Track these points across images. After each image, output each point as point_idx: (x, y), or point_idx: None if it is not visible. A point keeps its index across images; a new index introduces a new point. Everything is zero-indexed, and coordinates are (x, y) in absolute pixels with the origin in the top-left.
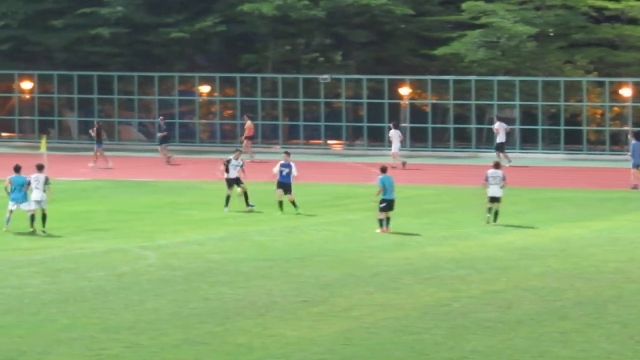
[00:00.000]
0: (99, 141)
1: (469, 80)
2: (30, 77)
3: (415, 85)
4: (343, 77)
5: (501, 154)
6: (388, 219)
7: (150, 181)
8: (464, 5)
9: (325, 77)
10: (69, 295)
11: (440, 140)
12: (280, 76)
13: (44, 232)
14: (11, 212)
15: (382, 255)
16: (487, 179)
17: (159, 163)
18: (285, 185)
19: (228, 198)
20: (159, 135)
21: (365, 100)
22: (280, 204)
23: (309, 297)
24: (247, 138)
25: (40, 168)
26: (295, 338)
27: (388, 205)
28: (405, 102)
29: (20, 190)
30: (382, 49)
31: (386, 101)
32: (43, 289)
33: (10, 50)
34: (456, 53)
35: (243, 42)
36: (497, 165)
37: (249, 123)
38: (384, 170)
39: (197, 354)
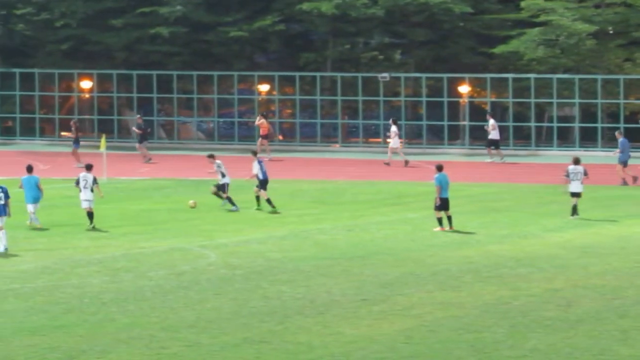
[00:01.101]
0: (77, 140)
1: (528, 78)
2: (89, 76)
3: (474, 83)
4: (402, 75)
5: (493, 151)
6: (449, 217)
7: (211, 180)
8: (523, 3)
9: (384, 76)
10: (129, 294)
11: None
12: (339, 74)
13: (93, 227)
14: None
15: (442, 254)
16: (567, 175)
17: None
18: (263, 181)
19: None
20: (136, 131)
21: (424, 99)
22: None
23: (369, 295)
24: (262, 137)
25: (88, 168)
26: (355, 336)
27: (443, 204)
28: (464, 100)
29: (32, 189)
30: (441, 47)
31: (445, 99)
32: (103, 287)
33: (69, 50)
34: (515, 51)
35: (302, 40)
36: (576, 161)
37: (263, 122)
38: (439, 168)
39: (257, 352)
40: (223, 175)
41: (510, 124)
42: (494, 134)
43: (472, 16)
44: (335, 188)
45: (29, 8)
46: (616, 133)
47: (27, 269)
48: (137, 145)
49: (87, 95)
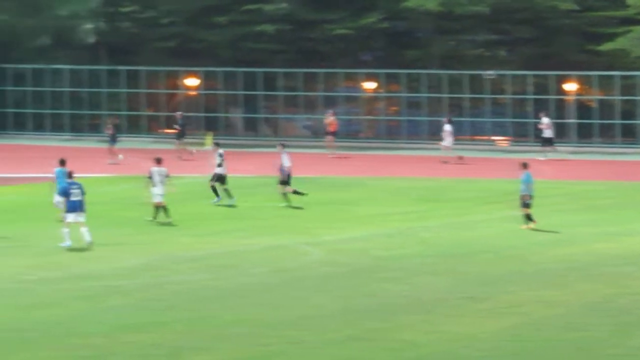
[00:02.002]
0: (113, 137)
1: (636, 76)
2: (195, 74)
3: (580, 80)
4: (508, 72)
5: (547, 148)
6: (529, 215)
7: (315, 177)
8: (630, 1)
9: (490, 73)
10: (232, 291)
11: (606, 136)
12: (444, 72)
13: (167, 218)
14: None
15: (546, 252)
16: None
17: (323, 159)
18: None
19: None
20: (176, 128)
21: (530, 96)
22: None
23: (474, 293)
24: (329, 134)
25: (158, 161)
26: (460, 334)
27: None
28: (571, 98)
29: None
30: (546, 45)
31: (551, 97)
32: (205, 284)
33: (175, 47)
34: (622, 48)
35: (407, 38)
36: None
37: (331, 119)
38: (525, 166)
39: (361, 349)
40: (219, 165)
41: (618, 121)
42: (548, 133)
43: (578, 13)
44: (440, 186)
45: (135, 6)
46: None
47: (130, 266)
48: (175, 142)
49: (193, 93)
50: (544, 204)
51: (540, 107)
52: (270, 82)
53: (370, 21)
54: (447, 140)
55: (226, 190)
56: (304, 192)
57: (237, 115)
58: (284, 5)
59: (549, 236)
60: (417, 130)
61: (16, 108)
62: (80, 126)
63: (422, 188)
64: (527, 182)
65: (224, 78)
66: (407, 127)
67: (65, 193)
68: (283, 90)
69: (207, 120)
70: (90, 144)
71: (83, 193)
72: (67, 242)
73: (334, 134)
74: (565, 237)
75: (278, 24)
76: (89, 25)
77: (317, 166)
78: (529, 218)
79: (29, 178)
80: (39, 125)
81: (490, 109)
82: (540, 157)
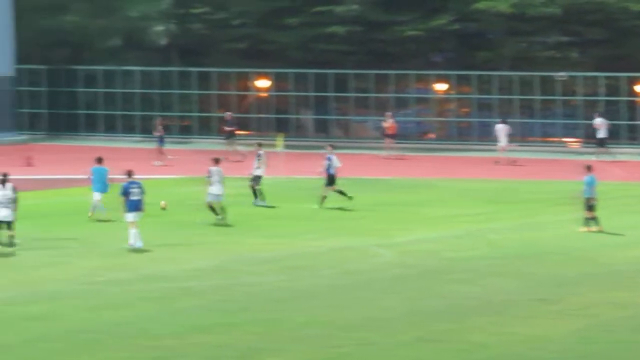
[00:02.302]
0: (162, 138)
1: None
2: (266, 75)
3: None
4: (579, 74)
5: (602, 149)
6: (594, 218)
7: (386, 178)
8: None
9: (561, 75)
10: (304, 293)
11: None
12: (515, 73)
13: (222, 219)
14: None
15: (616, 254)
16: None
17: (392, 160)
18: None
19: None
20: (226, 129)
21: (601, 98)
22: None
23: (544, 295)
24: (388, 136)
25: (217, 161)
26: (530, 336)
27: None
28: None
29: (101, 179)
30: (618, 46)
31: (623, 98)
32: (277, 286)
33: (246, 49)
34: None
35: (478, 39)
36: None
37: (390, 121)
38: (589, 168)
39: (431, 351)
40: (258, 167)
41: None
42: (602, 133)
43: None
44: (509, 187)
45: (206, 7)
46: None
47: (201, 267)
48: (225, 142)
49: (264, 94)
50: (610, 205)
51: (610, 108)
52: (341, 83)
53: (441, 22)
54: (503, 141)
55: (257, 190)
56: (349, 195)
57: (307, 117)
58: (355, 6)
59: (617, 238)
60: (488, 131)
61: (87, 109)
62: (151, 127)
63: (491, 189)
64: (591, 184)
65: (294, 79)
66: (478, 128)
67: (125, 192)
68: (354, 91)
69: (277, 121)
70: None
71: (143, 192)
72: (131, 242)
73: (393, 136)
74: (634, 239)
75: (349, 25)
76: (160, 27)
77: (386, 168)
78: (592, 221)
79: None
80: (110, 127)
81: (561, 111)
82: (593, 158)
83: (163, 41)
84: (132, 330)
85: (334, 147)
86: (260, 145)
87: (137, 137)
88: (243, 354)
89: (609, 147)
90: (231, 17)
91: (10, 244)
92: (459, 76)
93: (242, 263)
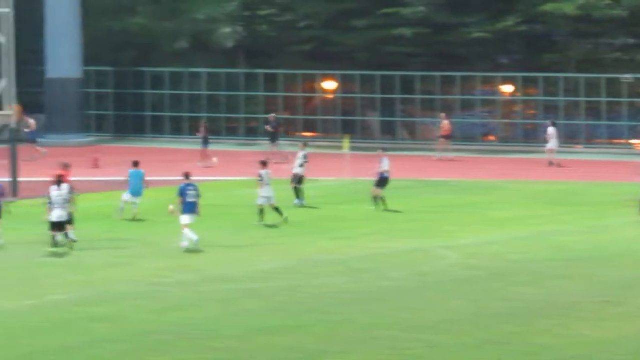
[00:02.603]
0: (206, 139)
1: None
2: (332, 77)
3: None
4: None
5: None
6: None
7: (452, 180)
8: None
9: (628, 77)
10: (370, 295)
11: None
12: (582, 75)
13: (286, 220)
14: (125, 202)
15: None
16: None
17: (459, 162)
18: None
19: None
20: (269, 131)
21: None
22: (375, 198)
23: (611, 297)
24: (443, 137)
25: (264, 164)
26: (597, 338)
27: None
28: None
29: (138, 182)
30: None
31: None
32: (344, 288)
33: (312, 51)
34: None
35: (544, 41)
36: None
37: (445, 122)
38: None
39: (498, 353)
40: (301, 166)
41: None
42: None
43: None
44: (575, 189)
45: (273, 9)
46: None
47: (268, 269)
48: (269, 145)
49: (330, 96)
50: None
51: None
52: (407, 85)
53: (508, 25)
54: (552, 143)
55: (298, 190)
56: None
57: (374, 119)
58: (422, 8)
59: None
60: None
61: (154, 111)
62: (218, 129)
63: (558, 191)
64: None
65: (361, 81)
66: (544, 130)
67: (181, 194)
68: (420, 93)
69: (344, 123)
70: (227, 147)
71: (199, 195)
72: (190, 239)
73: (447, 137)
74: None
75: (416, 27)
76: (226, 29)
77: (453, 170)
78: None
79: (163, 181)
80: (176, 129)
81: (627, 113)
82: None
83: (230, 43)
84: (197, 332)
85: (385, 150)
86: (305, 144)
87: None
88: (308, 355)
89: None
90: (298, 19)
91: (65, 244)
92: (524, 78)
93: (308, 265)
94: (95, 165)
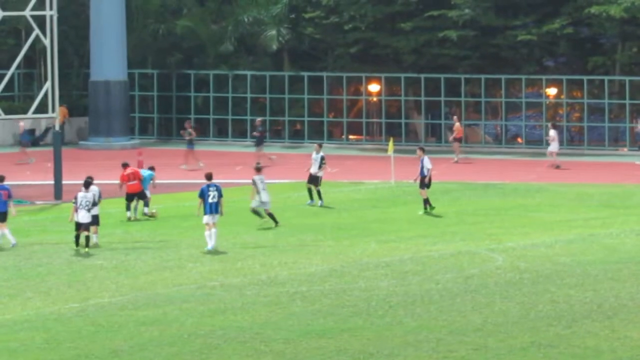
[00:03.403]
0: (191, 142)
1: None
2: (377, 79)
3: None
4: None
5: None
6: None
7: (498, 183)
8: None
9: None
10: (416, 297)
11: None
12: (627, 78)
13: (277, 224)
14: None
15: None
16: None
17: (506, 165)
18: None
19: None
20: (255, 134)
21: None
22: (425, 202)
23: None
24: (456, 139)
25: (258, 170)
26: None
27: None
28: None
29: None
30: None
31: None
32: (390, 291)
33: (358, 53)
34: None
35: (590, 44)
36: None
37: (457, 125)
38: None
39: (545, 356)
40: (319, 168)
41: None
42: None
43: None
44: (623, 192)
45: (319, 11)
46: None
47: (314, 272)
48: (255, 149)
49: (375, 99)
50: None
51: None
52: (452, 87)
53: (554, 27)
54: (553, 145)
55: (311, 191)
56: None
57: (418, 121)
58: (468, 11)
59: None
60: (600, 136)
61: (198, 114)
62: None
63: (605, 194)
64: None
65: (405, 84)
66: (589, 133)
67: (202, 195)
68: (466, 96)
69: (388, 125)
70: (272, 149)
71: (220, 195)
72: (209, 246)
73: (459, 140)
74: None
75: (462, 30)
76: (272, 32)
77: (500, 171)
78: None
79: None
80: (220, 131)
81: None
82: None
83: (275, 46)
84: (244, 335)
85: (424, 151)
86: (320, 146)
87: (248, 142)
88: (356, 358)
89: None
90: (344, 22)
91: (88, 245)
92: (570, 81)
93: (355, 267)
94: (140, 167)
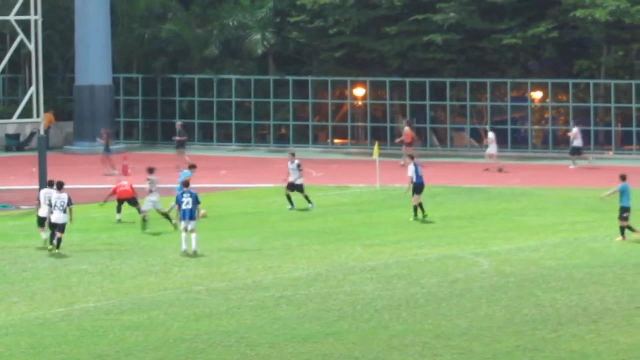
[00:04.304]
0: (107, 148)
1: None
2: (363, 84)
3: None
4: None
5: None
6: (629, 227)
7: (483, 187)
8: None
9: None
10: (402, 302)
11: None
12: (613, 82)
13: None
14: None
15: None
16: None
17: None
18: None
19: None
20: (176, 139)
21: None
22: (415, 208)
23: None
24: (405, 143)
25: (151, 171)
26: (629, 345)
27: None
28: None
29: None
30: None
31: None
32: (376, 295)
33: (343, 57)
34: None
35: (576, 47)
36: None
37: (407, 129)
38: (623, 178)
39: None
40: (300, 177)
41: None
42: (577, 142)
43: None
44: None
45: (304, 16)
46: None
47: (300, 276)
48: (176, 152)
49: (360, 103)
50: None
51: None
52: (437, 92)
53: (540, 31)
54: (492, 148)
55: (306, 198)
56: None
57: (404, 125)
58: (453, 15)
59: None
60: (586, 140)
61: (183, 118)
62: (247, 136)
63: (591, 198)
64: (627, 193)
65: (391, 88)
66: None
67: (178, 201)
68: (451, 100)
69: (373, 130)
70: (257, 154)
71: (197, 202)
72: (183, 247)
73: (410, 144)
74: None
75: (447, 34)
76: (257, 36)
77: (484, 176)
78: (629, 229)
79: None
80: (206, 136)
81: None
82: (571, 167)
83: (260, 50)
84: (231, 340)
85: (413, 158)
86: (293, 155)
87: (233, 146)
88: None
89: (584, 155)
90: (329, 26)
91: (59, 247)
92: (556, 84)
93: (341, 272)
94: (125, 172)
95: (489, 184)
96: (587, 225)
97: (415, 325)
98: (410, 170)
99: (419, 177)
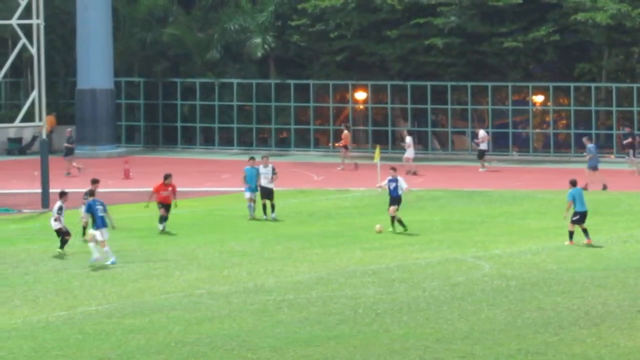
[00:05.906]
0: (71, 150)
1: None
2: (364, 87)
3: None
4: None
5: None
6: (585, 230)
7: (484, 190)
8: None
9: None
10: (403, 305)
11: None
12: (614, 85)
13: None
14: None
15: None
16: None
17: (492, 172)
18: (395, 199)
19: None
20: (65, 145)
21: None
22: (392, 219)
23: None
24: (342, 147)
25: (94, 182)
26: (630, 348)
27: (581, 217)
28: None
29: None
30: None
31: None
32: (377, 298)
33: (344, 61)
34: None
35: (577, 51)
36: None
37: (345, 132)
38: (573, 183)
39: None
40: (272, 181)
41: None
42: (483, 145)
43: None
44: (610, 199)
45: (305, 19)
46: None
47: (301, 280)
48: (65, 159)
49: (361, 107)
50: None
51: None
52: (438, 95)
53: (540, 34)
54: (409, 152)
55: (272, 206)
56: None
57: (405, 129)
58: (453, 18)
59: None
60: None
61: (185, 122)
62: (249, 140)
63: (593, 201)
64: (573, 198)
65: (392, 91)
66: (577, 140)
67: (89, 210)
68: (452, 103)
69: (374, 133)
70: (258, 157)
71: (105, 210)
72: (94, 256)
73: (346, 147)
74: None
75: (448, 37)
76: (258, 40)
77: (486, 179)
78: (571, 235)
79: (192, 192)
80: (207, 139)
81: None
82: (480, 169)
83: (261, 53)
84: (232, 343)
85: (395, 170)
86: (267, 158)
87: (235, 150)
88: None
89: (487, 158)
90: (330, 29)
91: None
92: (557, 88)
93: (342, 275)
94: (127, 176)
95: (490, 188)
96: (588, 228)
97: (417, 328)
98: (386, 180)
99: (394, 190)
